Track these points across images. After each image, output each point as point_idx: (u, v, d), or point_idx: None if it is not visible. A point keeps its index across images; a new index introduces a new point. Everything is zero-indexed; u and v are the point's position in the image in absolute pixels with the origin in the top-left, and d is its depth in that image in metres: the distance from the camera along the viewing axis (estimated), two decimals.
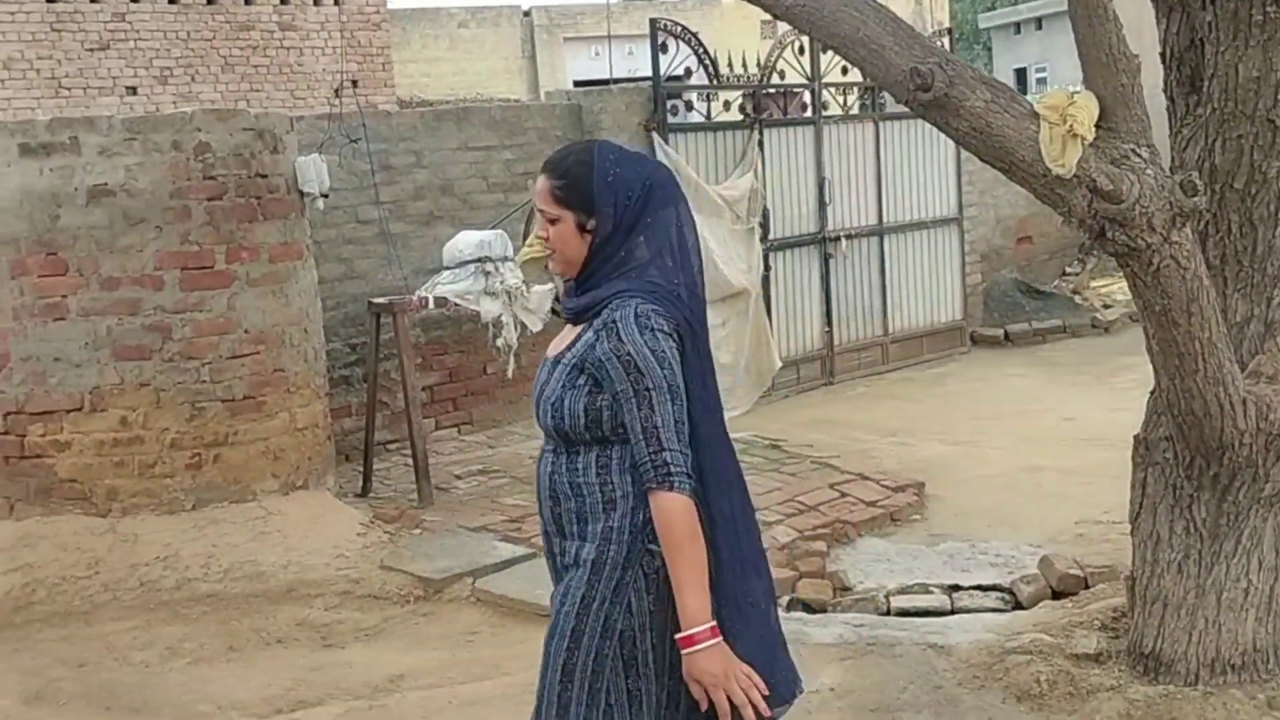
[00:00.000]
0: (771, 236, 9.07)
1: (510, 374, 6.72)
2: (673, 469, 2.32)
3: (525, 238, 7.23)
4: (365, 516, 5.93)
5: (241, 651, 4.71)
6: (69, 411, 5.50)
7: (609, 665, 2.38)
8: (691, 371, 2.39)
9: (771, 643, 2.45)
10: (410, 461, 6.56)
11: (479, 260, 6.57)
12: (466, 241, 6.65)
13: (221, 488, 5.60)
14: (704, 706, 2.33)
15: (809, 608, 5.08)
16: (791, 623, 4.73)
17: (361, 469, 6.65)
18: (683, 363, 2.37)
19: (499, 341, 6.64)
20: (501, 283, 6.57)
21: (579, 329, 2.44)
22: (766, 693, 2.35)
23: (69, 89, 12.62)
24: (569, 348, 2.44)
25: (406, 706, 4.20)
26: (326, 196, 6.13)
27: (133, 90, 12.93)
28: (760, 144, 8.97)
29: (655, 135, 8.44)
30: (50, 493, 5.50)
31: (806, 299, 9.43)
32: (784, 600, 5.15)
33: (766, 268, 8.99)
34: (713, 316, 8.55)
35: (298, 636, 4.84)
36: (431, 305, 6.61)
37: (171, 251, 5.54)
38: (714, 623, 2.32)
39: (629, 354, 2.32)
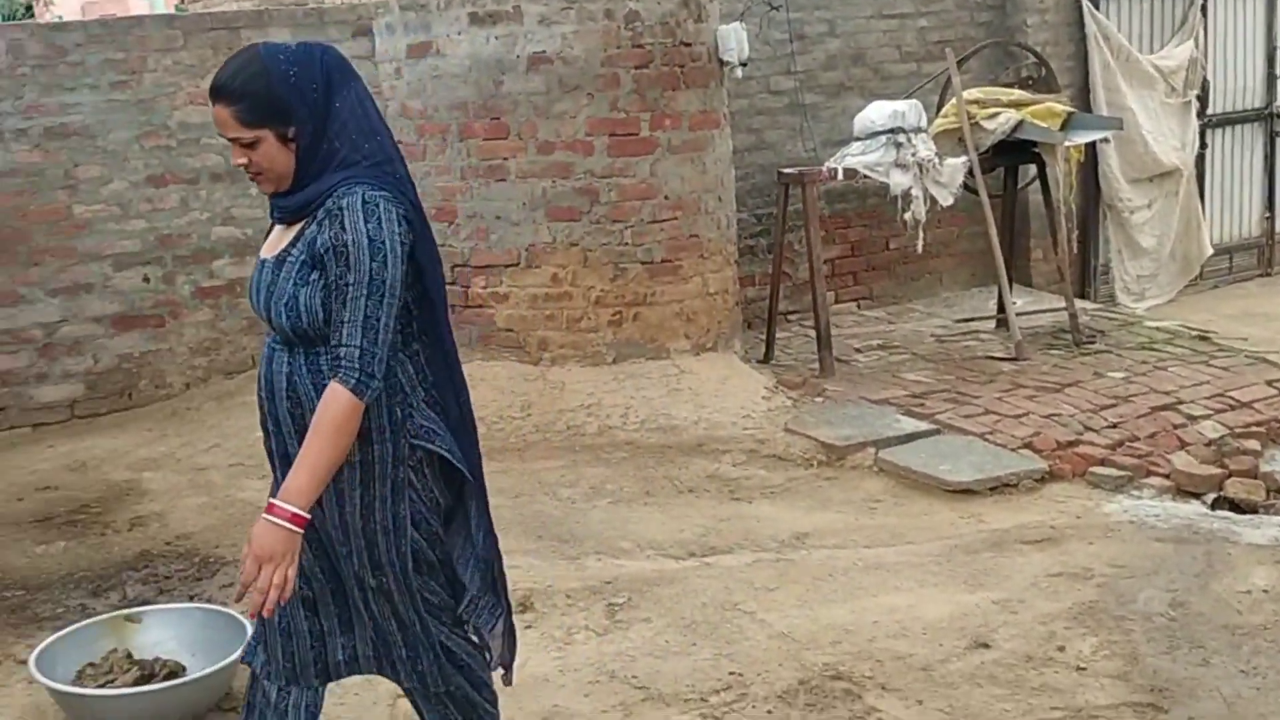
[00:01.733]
0: (1210, 111, 8.37)
1: (919, 248, 6.62)
2: (344, 362, 2.28)
3: (939, 109, 7.03)
4: (769, 381, 6.08)
5: (656, 497, 5.00)
6: (507, 266, 5.95)
7: (410, 560, 2.44)
8: (426, 249, 2.39)
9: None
10: (811, 332, 6.63)
11: (891, 131, 6.46)
12: (879, 112, 6.53)
13: (639, 345, 5.91)
14: (245, 569, 2.29)
15: (1237, 507, 4.76)
16: (1218, 522, 4.49)
17: (764, 336, 6.79)
18: (417, 242, 2.36)
19: (907, 215, 6.53)
20: (914, 155, 6.44)
21: (298, 227, 2.39)
22: (283, 603, 2.30)
23: None
24: (292, 245, 2.38)
25: (811, 563, 4.32)
26: (745, 65, 6.19)
27: None
28: (1203, 8, 8.24)
29: (1085, 2, 7.91)
30: (489, 340, 6.02)
31: (1246, 181, 8.69)
32: (1209, 498, 4.87)
33: (1202, 145, 8.34)
34: (1138, 196, 8.04)
35: (708, 488, 5.07)
36: (840, 176, 6.58)
37: (601, 118, 5.81)
38: (304, 514, 2.28)
39: (345, 244, 2.29)
